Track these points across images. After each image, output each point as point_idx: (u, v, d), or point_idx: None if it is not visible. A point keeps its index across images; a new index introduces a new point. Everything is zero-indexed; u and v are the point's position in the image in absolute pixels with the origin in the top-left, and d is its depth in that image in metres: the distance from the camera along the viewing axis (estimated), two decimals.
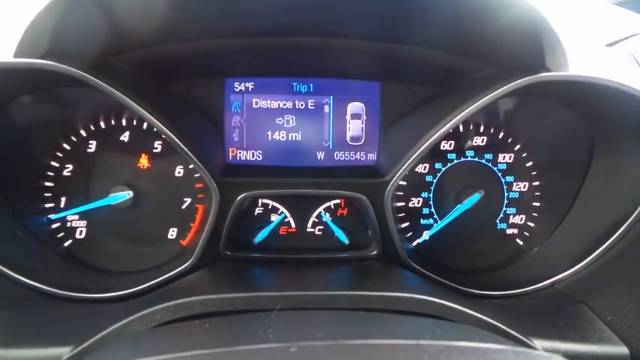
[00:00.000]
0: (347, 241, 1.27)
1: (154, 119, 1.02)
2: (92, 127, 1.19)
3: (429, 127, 1.09)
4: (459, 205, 1.25)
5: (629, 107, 0.97)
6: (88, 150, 1.20)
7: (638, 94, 0.93)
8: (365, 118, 1.28)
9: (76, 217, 1.21)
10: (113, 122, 1.20)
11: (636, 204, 1.01)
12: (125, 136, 1.21)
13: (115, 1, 0.87)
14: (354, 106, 1.27)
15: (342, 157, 1.29)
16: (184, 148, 1.06)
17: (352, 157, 1.29)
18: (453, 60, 1.10)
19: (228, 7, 0.94)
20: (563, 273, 1.13)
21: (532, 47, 0.92)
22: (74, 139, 1.19)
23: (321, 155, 1.28)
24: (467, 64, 1.10)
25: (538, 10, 0.84)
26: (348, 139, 1.28)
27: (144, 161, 1.22)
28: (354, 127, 1.28)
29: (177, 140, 1.05)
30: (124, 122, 1.20)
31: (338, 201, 1.26)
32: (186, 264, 1.13)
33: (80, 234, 1.22)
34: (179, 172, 1.22)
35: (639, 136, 1.03)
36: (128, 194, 1.19)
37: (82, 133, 1.19)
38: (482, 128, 1.26)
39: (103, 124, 1.19)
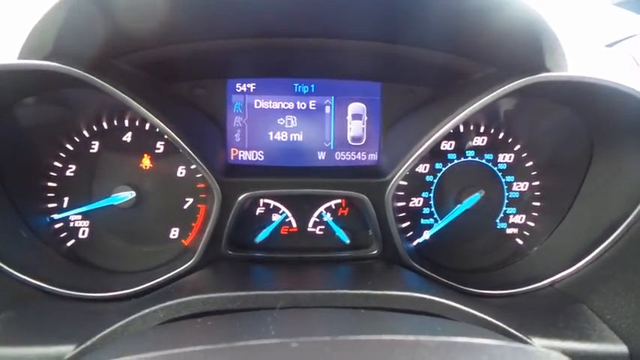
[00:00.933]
0: (348, 241, 1.28)
1: (157, 119, 1.03)
2: (95, 128, 1.20)
3: (430, 128, 1.10)
4: (459, 205, 1.25)
5: (628, 107, 0.98)
6: (91, 150, 1.21)
7: (637, 94, 0.93)
8: (366, 118, 1.28)
9: (79, 217, 1.22)
10: (116, 123, 1.21)
11: (635, 204, 1.02)
12: (128, 137, 1.22)
13: (117, 3, 0.88)
14: (355, 107, 1.28)
15: (343, 157, 1.30)
16: (187, 148, 1.07)
17: (353, 157, 1.30)
18: (453, 60, 1.11)
19: (230, 9, 0.95)
20: (563, 272, 1.13)
21: (531, 48, 0.93)
22: (77, 140, 1.20)
23: (322, 155, 1.29)
24: (467, 65, 1.11)
25: (536, 11, 0.85)
26: (349, 139, 1.29)
27: (146, 161, 1.23)
28: (355, 128, 1.29)
29: (179, 140, 1.06)
30: (126, 123, 1.21)
31: (339, 201, 1.26)
32: (188, 263, 1.14)
33: (83, 234, 1.23)
34: (181, 173, 1.23)
35: (638, 137, 1.04)
36: (130, 194, 1.20)
37: (85, 133, 1.20)
38: (482, 128, 1.27)
39: (105, 125, 1.20)
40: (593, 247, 1.09)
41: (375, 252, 1.22)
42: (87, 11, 0.87)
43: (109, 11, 0.89)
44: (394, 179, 1.14)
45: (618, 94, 0.95)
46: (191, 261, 1.14)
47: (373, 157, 1.30)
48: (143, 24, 0.96)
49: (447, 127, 1.06)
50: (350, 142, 1.29)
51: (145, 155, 1.23)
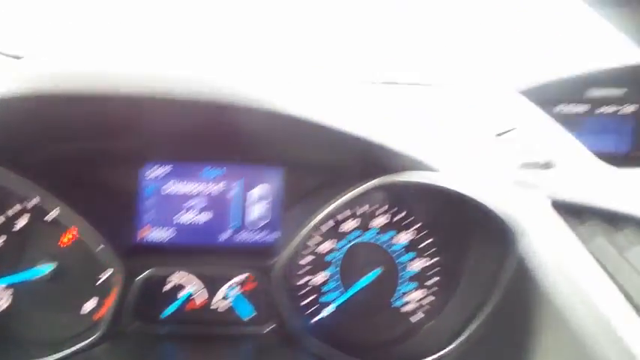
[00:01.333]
0: (248, 317, 1.35)
1: (63, 207, 1.16)
2: (24, 204, 1.31)
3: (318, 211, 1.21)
4: (358, 282, 1.33)
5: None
6: (18, 225, 1.31)
7: (490, 209, 1.04)
8: (269, 200, 1.39)
9: (2, 287, 1.30)
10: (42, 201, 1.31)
11: (490, 292, 1.11)
12: (54, 213, 1.31)
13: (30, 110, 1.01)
14: (260, 190, 1.39)
15: (246, 237, 1.39)
16: (93, 232, 1.18)
17: (255, 237, 1.40)
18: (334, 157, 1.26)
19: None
20: (445, 349, 1.20)
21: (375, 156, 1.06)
22: (7, 216, 1.30)
23: (227, 235, 1.39)
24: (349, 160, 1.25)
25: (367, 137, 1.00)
26: (253, 220, 1.39)
27: (68, 237, 1.32)
28: (259, 209, 1.39)
29: (84, 226, 1.17)
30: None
31: (244, 277, 1.34)
32: (93, 337, 1.21)
33: (3, 304, 1.30)
34: (98, 249, 1.31)
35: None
36: (48, 268, 1.29)
37: (15, 209, 1.31)
38: (385, 208, 1.37)
39: (34, 202, 1.31)
40: (467, 326, 1.17)
41: (271, 328, 1.29)
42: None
43: (23, 115, 1.03)
44: (282, 259, 1.23)
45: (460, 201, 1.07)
46: (95, 335, 1.21)
47: (275, 236, 1.40)
48: (54, 125, 1.10)
49: (318, 218, 1.19)
50: (254, 223, 1.39)
51: (67, 231, 1.32)
